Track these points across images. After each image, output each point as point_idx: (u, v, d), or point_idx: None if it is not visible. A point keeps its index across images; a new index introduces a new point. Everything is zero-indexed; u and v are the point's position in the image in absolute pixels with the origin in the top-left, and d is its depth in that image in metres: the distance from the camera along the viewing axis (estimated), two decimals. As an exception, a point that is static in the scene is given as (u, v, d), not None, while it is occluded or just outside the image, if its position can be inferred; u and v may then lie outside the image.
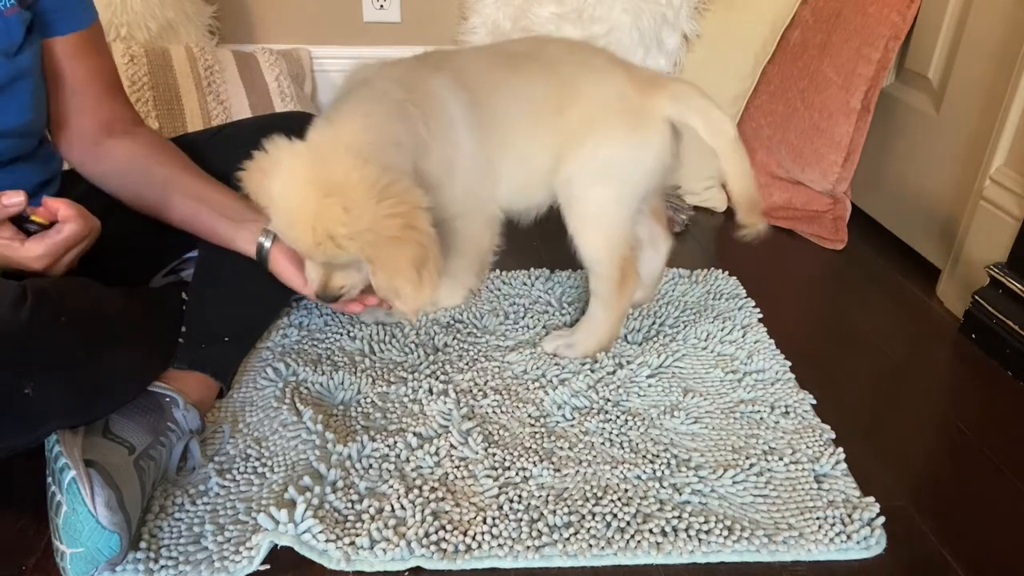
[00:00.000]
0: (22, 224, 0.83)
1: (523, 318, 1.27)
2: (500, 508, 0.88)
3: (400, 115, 0.97)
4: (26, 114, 0.92)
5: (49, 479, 0.78)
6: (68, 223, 0.82)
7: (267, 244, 0.96)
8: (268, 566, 0.81)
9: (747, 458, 0.96)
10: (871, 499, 0.90)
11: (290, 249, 0.95)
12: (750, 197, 1.08)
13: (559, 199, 1.11)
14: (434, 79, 1.02)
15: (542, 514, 0.87)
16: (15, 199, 0.80)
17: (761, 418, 1.04)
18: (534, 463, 0.94)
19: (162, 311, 1.01)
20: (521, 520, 0.86)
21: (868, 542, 0.85)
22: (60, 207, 0.82)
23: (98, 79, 1.00)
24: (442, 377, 1.11)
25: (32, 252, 0.81)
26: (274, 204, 0.89)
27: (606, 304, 1.15)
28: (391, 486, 0.90)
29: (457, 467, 0.94)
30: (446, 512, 0.87)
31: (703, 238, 1.64)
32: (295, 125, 1.14)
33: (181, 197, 0.98)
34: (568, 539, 0.84)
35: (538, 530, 0.85)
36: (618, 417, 1.03)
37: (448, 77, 1.03)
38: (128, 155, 0.99)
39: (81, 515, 0.74)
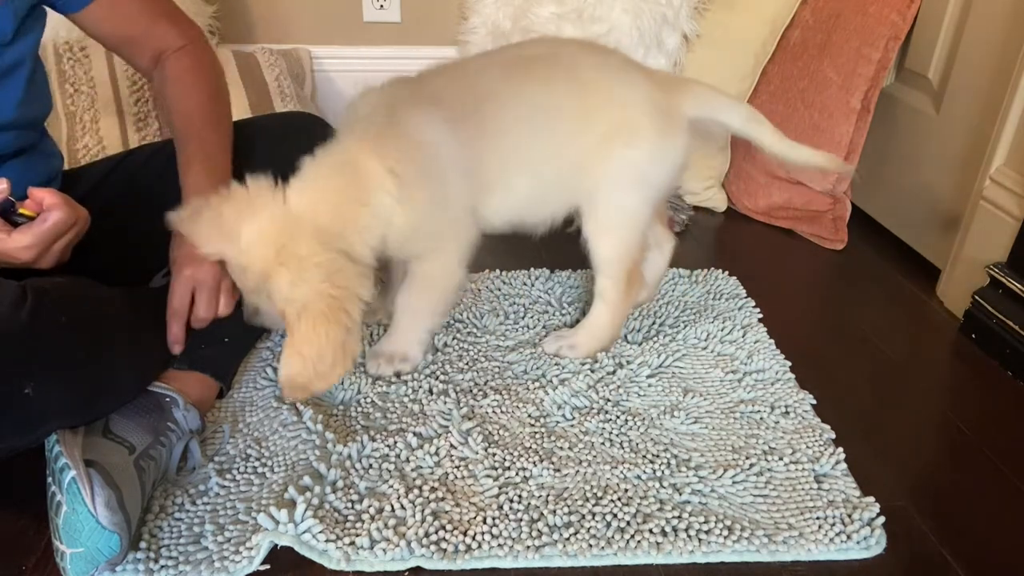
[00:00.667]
0: (9, 217, 0.82)
1: (523, 318, 1.27)
2: (500, 508, 0.88)
3: (367, 187, 0.94)
4: (21, 107, 0.91)
5: (49, 479, 0.78)
6: (53, 211, 0.81)
7: (163, 283, 0.94)
8: (268, 566, 0.81)
9: (747, 458, 0.96)
10: (871, 499, 0.90)
11: (191, 280, 0.92)
12: (814, 152, 1.12)
13: (581, 205, 1.09)
14: (413, 117, 0.99)
15: (542, 514, 0.87)
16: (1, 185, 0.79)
17: (761, 418, 1.04)
18: (534, 463, 0.94)
19: (162, 311, 1.01)
20: (521, 520, 0.86)
21: (868, 542, 0.85)
22: (45, 196, 0.81)
23: (139, 18, 1.01)
24: (442, 377, 1.11)
25: (20, 242, 0.80)
26: (235, 243, 0.89)
27: (611, 306, 1.15)
28: (391, 486, 0.90)
29: (457, 467, 0.94)
30: (446, 512, 0.87)
31: (703, 238, 1.64)
32: (295, 125, 1.15)
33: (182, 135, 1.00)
34: (568, 539, 0.84)
35: (538, 530, 0.85)
36: (618, 417, 1.03)
37: (430, 108, 1.00)
38: (168, 80, 1.03)
39: (81, 515, 0.74)
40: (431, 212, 1.00)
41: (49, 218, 0.81)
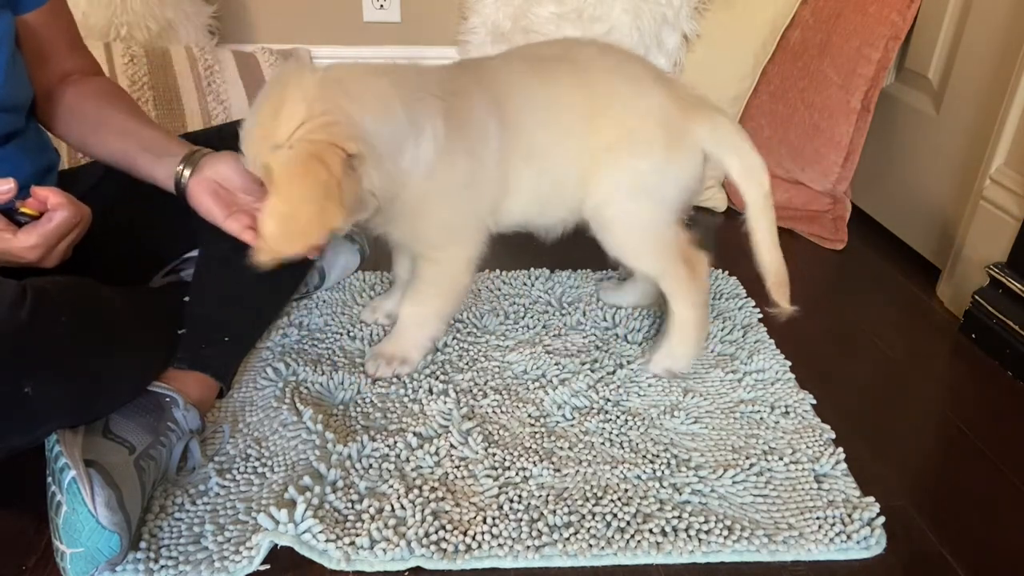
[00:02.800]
0: (12, 216, 0.82)
1: (523, 318, 1.27)
2: (500, 508, 0.88)
3: (421, 112, 0.92)
4: (3, 88, 0.90)
5: (49, 479, 0.78)
6: (58, 210, 0.82)
7: (186, 174, 0.92)
8: (268, 566, 0.81)
9: (747, 458, 0.96)
10: (871, 499, 0.90)
11: (212, 182, 0.91)
12: (777, 267, 1.05)
13: (591, 217, 1.07)
14: (477, 95, 0.99)
15: (542, 514, 0.87)
16: (4, 187, 0.79)
17: (761, 418, 1.04)
18: (534, 463, 0.94)
19: (162, 311, 1.01)
20: (521, 520, 0.86)
21: (868, 542, 0.85)
22: (49, 195, 0.82)
23: (62, 38, 1.01)
24: (442, 377, 1.11)
25: (25, 242, 0.81)
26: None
27: (686, 299, 1.11)
28: (391, 486, 0.90)
29: (457, 467, 0.94)
30: (446, 512, 0.87)
31: (703, 238, 1.63)
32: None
33: (112, 134, 0.98)
34: (568, 539, 0.84)
35: (538, 530, 0.85)
36: (618, 417, 1.03)
37: (488, 94, 1.00)
38: (73, 98, 1.00)
39: (81, 515, 0.74)
40: (457, 195, 1.00)
41: (54, 218, 0.82)
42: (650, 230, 1.07)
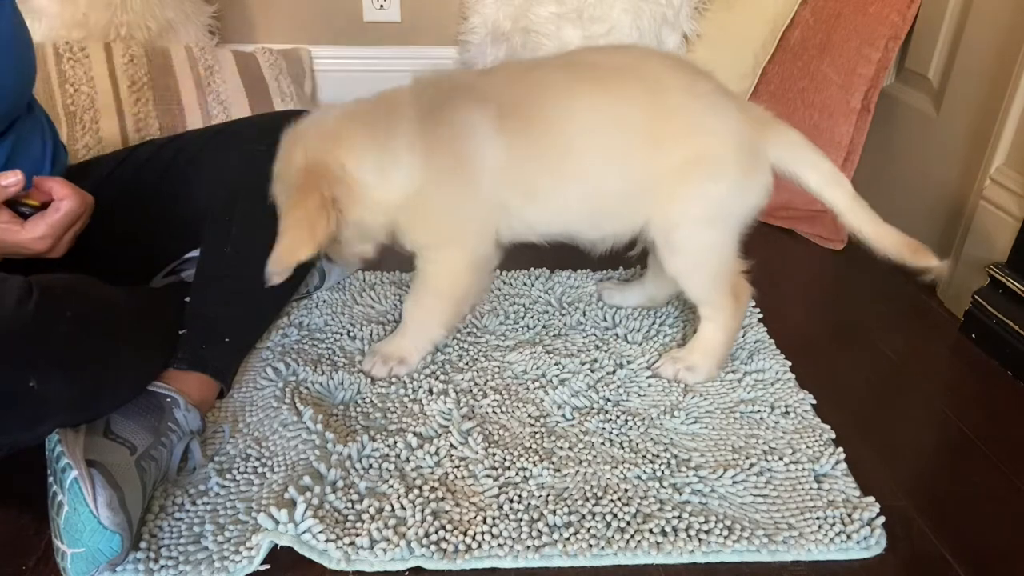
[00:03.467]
0: (15, 208, 0.83)
1: (523, 318, 1.27)
2: (500, 508, 0.88)
3: (394, 129, 0.99)
4: None
5: (50, 479, 0.78)
6: (65, 200, 0.82)
7: None
8: (268, 566, 0.81)
9: (747, 458, 0.96)
10: (871, 499, 0.90)
11: None
12: (903, 242, 1.04)
13: (655, 238, 1.04)
14: (462, 110, 0.99)
15: (542, 514, 0.87)
16: (12, 179, 0.80)
17: (761, 418, 1.04)
18: (534, 463, 0.94)
19: (163, 311, 1.01)
20: (521, 520, 0.86)
21: (868, 542, 0.85)
22: (54, 185, 0.83)
23: None
24: (442, 377, 1.11)
25: (34, 232, 0.81)
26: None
27: (721, 325, 1.10)
28: (391, 486, 0.90)
29: (457, 467, 0.94)
30: (446, 512, 0.87)
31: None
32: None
33: None
34: (568, 539, 0.84)
35: (538, 530, 0.85)
36: (618, 417, 1.03)
37: (480, 105, 0.99)
38: None
39: (83, 515, 0.74)
40: (444, 201, 1.00)
41: (62, 207, 0.83)
42: (716, 256, 1.06)
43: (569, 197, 1.03)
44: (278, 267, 0.93)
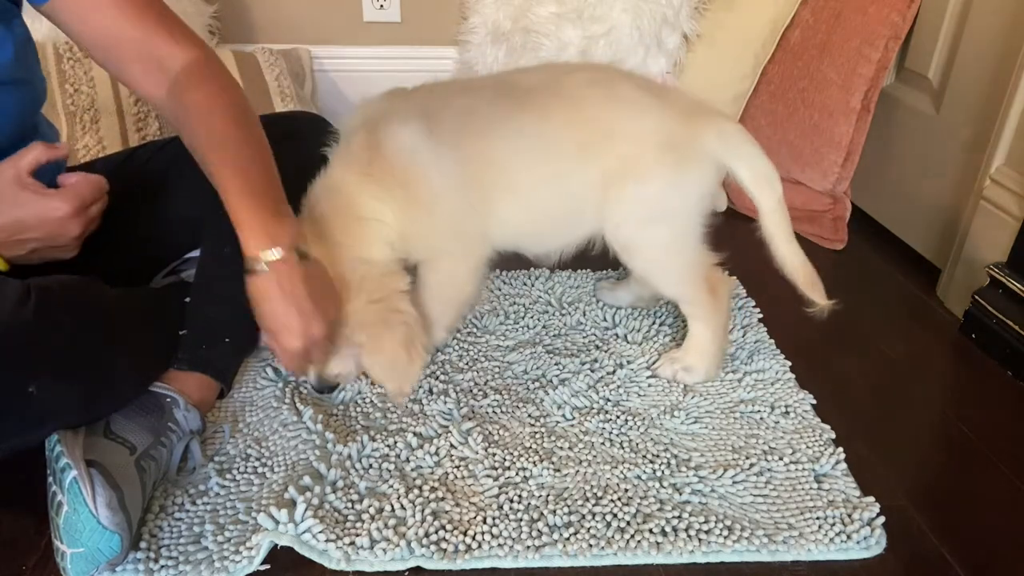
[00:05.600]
0: None
1: (523, 318, 1.27)
2: (500, 508, 0.88)
3: (366, 188, 0.99)
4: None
5: (50, 479, 0.78)
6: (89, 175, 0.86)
7: (273, 257, 0.83)
8: (268, 566, 0.81)
9: (747, 458, 0.96)
10: (871, 499, 0.90)
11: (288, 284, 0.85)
12: (803, 267, 1.03)
13: (611, 242, 1.06)
14: (396, 130, 0.99)
15: (542, 514, 0.87)
16: (60, 146, 0.84)
17: (761, 418, 1.04)
18: (534, 463, 0.94)
19: (163, 311, 1.01)
20: (521, 520, 0.86)
21: (868, 542, 0.85)
22: (77, 177, 0.86)
23: (119, 29, 0.89)
24: (442, 377, 1.11)
25: (63, 197, 0.83)
26: None
27: (707, 321, 1.11)
28: (391, 486, 0.90)
29: (457, 467, 0.94)
30: (446, 512, 0.87)
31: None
32: (295, 125, 1.15)
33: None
34: (568, 539, 0.84)
35: (538, 530, 0.85)
36: (618, 417, 1.03)
37: (415, 122, 0.99)
38: (189, 111, 0.89)
39: (82, 515, 0.74)
40: (424, 218, 1.00)
41: (88, 177, 0.86)
42: (673, 253, 1.07)
43: (507, 216, 1.03)
44: (404, 397, 1.01)
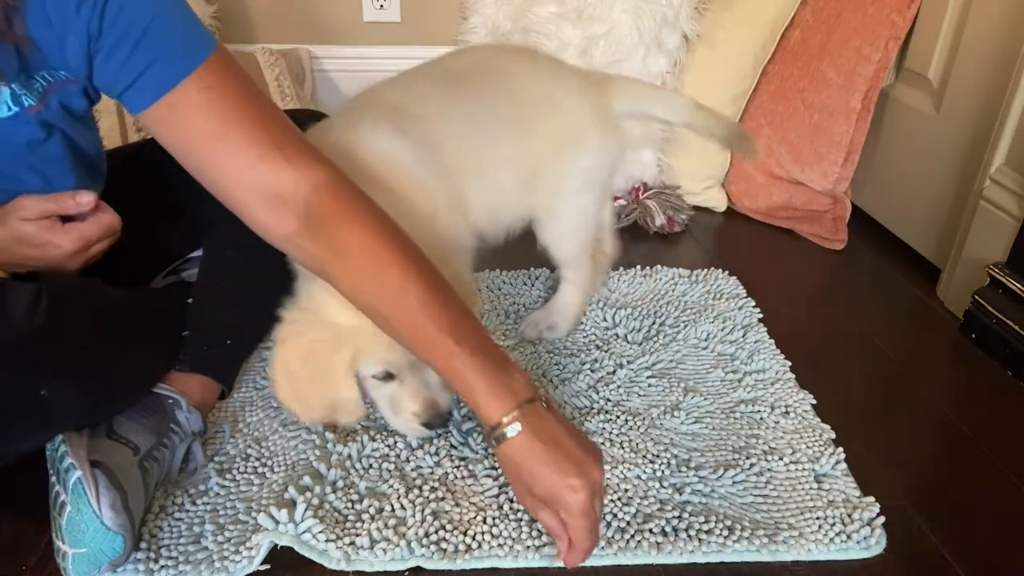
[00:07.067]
0: None
1: (523, 318, 1.26)
2: (500, 508, 0.88)
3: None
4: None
5: (53, 479, 0.78)
6: (105, 214, 0.85)
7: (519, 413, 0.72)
8: (268, 566, 0.81)
9: (747, 458, 0.96)
10: (871, 499, 0.90)
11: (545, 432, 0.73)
12: (729, 123, 1.20)
13: (540, 213, 1.09)
14: (373, 133, 0.93)
15: (542, 514, 0.87)
16: (86, 198, 0.82)
17: (761, 418, 1.04)
18: (534, 463, 0.94)
19: (166, 312, 1.01)
20: (521, 520, 0.86)
21: (868, 542, 0.85)
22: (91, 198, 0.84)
23: (211, 151, 0.76)
24: (442, 377, 1.11)
25: (69, 233, 0.82)
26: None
27: (580, 286, 1.20)
28: (391, 486, 0.90)
29: (457, 467, 0.94)
30: (446, 512, 0.87)
31: (703, 238, 1.64)
32: (296, 124, 1.15)
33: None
34: (568, 539, 0.84)
35: (538, 530, 0.85)
36: (618, 417, 1.03)
37: (386, 125, 0.94)
38: (340, 267, 0.76)
39: (86, 516, 0.74)
40: (424, 223, 0.99)
41: (101, 219, 0.84)
42: (588, 221, 1.14)
43: (475, 199, 1.02)
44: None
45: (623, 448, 0.98)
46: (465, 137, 0.99)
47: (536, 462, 0.71)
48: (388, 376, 0.87)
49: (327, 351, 0.83)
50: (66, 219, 0.83)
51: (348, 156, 0.88)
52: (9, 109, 0.76)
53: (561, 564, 0.82)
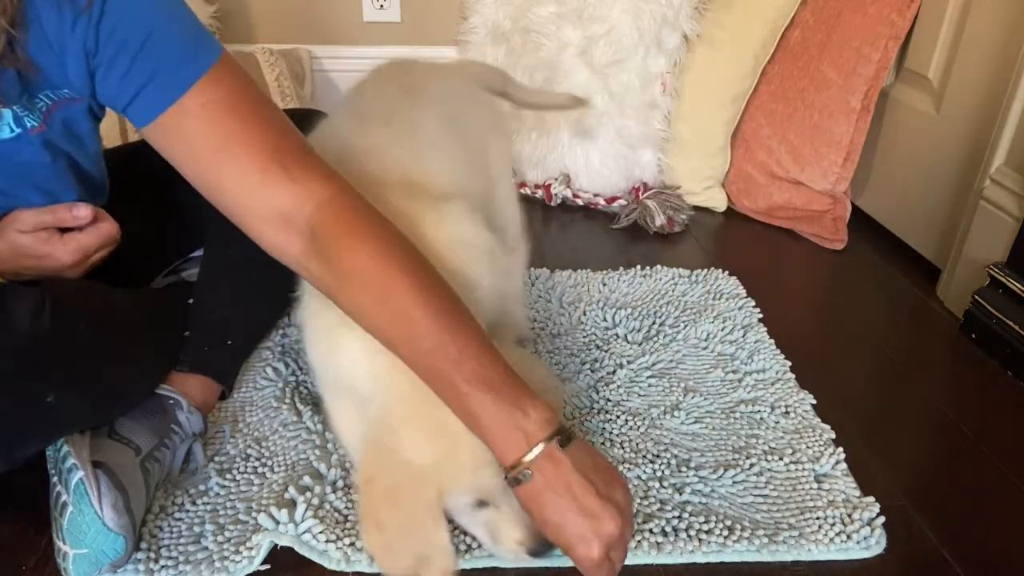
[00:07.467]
0: None
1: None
2: (501, 508, 0.88)
3: None
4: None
5: (54, 479, 0.78)
6: (104, 223, 0.84)
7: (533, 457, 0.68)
8: (268, 566, 0.81)
9: (747, 458, 0.96)
10: (871, 499, 0.90)
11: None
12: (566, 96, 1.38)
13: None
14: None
15: (542, 514, 0.87)
16: (84, 212, 0.82)
17: (761, 418, 1.04)
18: (534, 463, 0.94)
19: (167, 313, 1.01)
20: (522, 520, 0.86)
21: (868, 542, 0.85)
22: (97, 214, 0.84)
23: (216, 165, 0.72)
24: (442, 377, 1.11)
25: (68, 245, 0.82)
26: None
27: (521, 271, 1.22)
28: (392, 486, 0.90)
29: (458, 467, 0.94)
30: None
31: (703, 238, 1.64)
32: (296, 124, 1.15)
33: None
34: (568, 539, 0.84)
35: (539, 530, 0.85)
36: (618, 417, 1.03)
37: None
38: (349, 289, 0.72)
39: (87, 516, 0.74)
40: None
41: (100, 229, 0.84)
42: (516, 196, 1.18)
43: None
44: None
45: (623, 448, 0.98)
46: (441, 147, 0.95)
47: (549, 512, 0.68)
48: (481, 503, 0.77)
49: (412, 494, 0.73)
50: (65, 229, 0.83)
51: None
52: (12, 131, 0.76)
53: (561, 564, 0.82)
